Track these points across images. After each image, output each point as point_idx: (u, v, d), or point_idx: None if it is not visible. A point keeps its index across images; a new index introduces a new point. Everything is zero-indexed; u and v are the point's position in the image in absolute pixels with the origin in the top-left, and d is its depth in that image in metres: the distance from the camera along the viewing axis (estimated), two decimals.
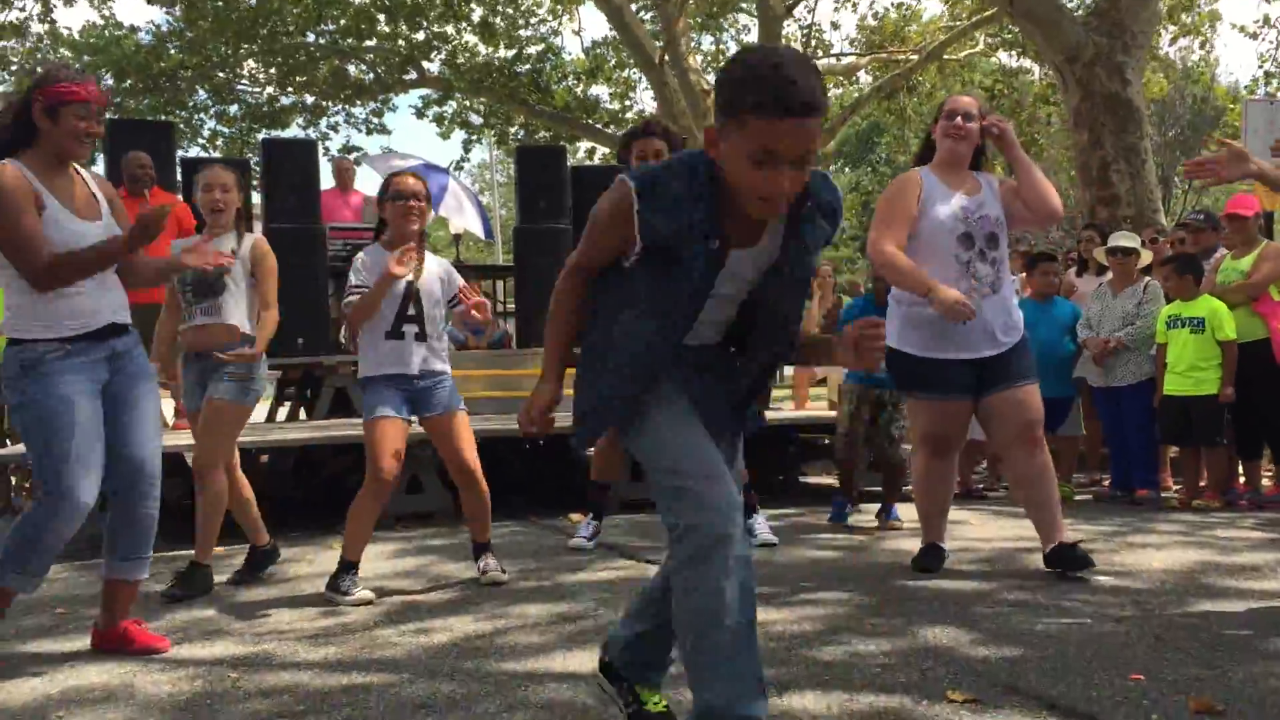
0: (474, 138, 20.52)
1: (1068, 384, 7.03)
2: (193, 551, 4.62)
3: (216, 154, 18.00)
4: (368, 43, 17.97)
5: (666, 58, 16.45)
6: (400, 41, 18.01)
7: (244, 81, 18.43)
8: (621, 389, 2.34)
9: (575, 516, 6.35)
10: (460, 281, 4.65)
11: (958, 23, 17.85)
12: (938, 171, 4.48)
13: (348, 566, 4.35)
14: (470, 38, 18.62)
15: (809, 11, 18.93)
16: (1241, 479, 6.71)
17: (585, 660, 3.29)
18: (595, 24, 59.47)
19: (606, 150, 19.35)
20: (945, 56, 17.82)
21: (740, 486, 2.37)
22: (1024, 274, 7.48)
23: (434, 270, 4.53)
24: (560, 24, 19.77)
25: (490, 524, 4.69)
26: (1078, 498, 6.98)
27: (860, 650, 3.32)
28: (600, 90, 20.07)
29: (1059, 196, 4.43)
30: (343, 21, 17.51)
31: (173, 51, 16.91)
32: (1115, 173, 10.10)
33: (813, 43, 19.22)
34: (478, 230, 13.84)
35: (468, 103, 19.54)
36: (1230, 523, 5.83)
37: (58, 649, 3.67)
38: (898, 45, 18.61)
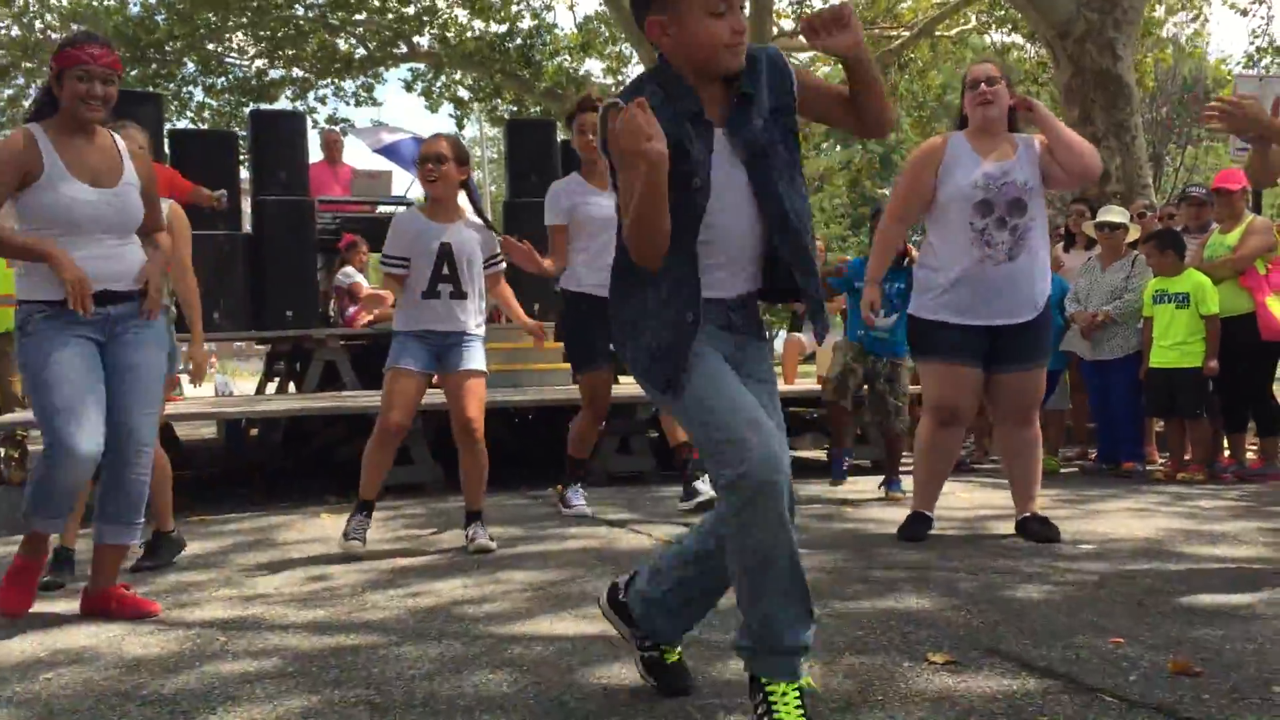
0: (464, 114, 20.43)
1: (1056, 357, 7.05)
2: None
3: (205, 125, 17.91)
4: (357, 16, 17.87)
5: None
6: (390, 15, 17.91)
7: (232, 54, 18.33)
8: (666, 338, 2.32)
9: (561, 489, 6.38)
10: (497, 246, 4.74)
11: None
12: (970, 137, 4.46)
13: (360, 506, 4.57)
14: (461, 12, 18.54)
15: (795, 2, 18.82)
16: (1226, 452, 6.76)
17: (571, 625, 3.32)
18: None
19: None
20: (937, 33, 17.78)
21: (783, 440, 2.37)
22: None
23: (471, 231, 4.61)
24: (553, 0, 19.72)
25: (483, 493, 4.71)
26: (1064, 470, 7.03)
27: (842, 613, 3.36)
28: (593, 64, 20.02)
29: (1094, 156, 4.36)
30: None
31: (161, 22, 16.79)
32: (1105, 149, 10.09)
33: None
34: (467, 206, 13.81)
35: (458, 77, 19.45)
36: (1213, 494, 5.88)
37: (47, 611, 3.69)
38: (889, 21, 18.56)
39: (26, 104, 17.01)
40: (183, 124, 17.91)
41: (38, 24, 16.82)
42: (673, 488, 6.32)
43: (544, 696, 2.65)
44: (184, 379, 9.31)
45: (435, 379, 4.67)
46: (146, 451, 3.61)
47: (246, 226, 9.22)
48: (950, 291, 4.39)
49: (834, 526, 5.03)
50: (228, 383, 21.66)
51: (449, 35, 18.21)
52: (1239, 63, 20.24)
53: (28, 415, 6.66)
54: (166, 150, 8.87)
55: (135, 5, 17.38)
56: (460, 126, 20.81)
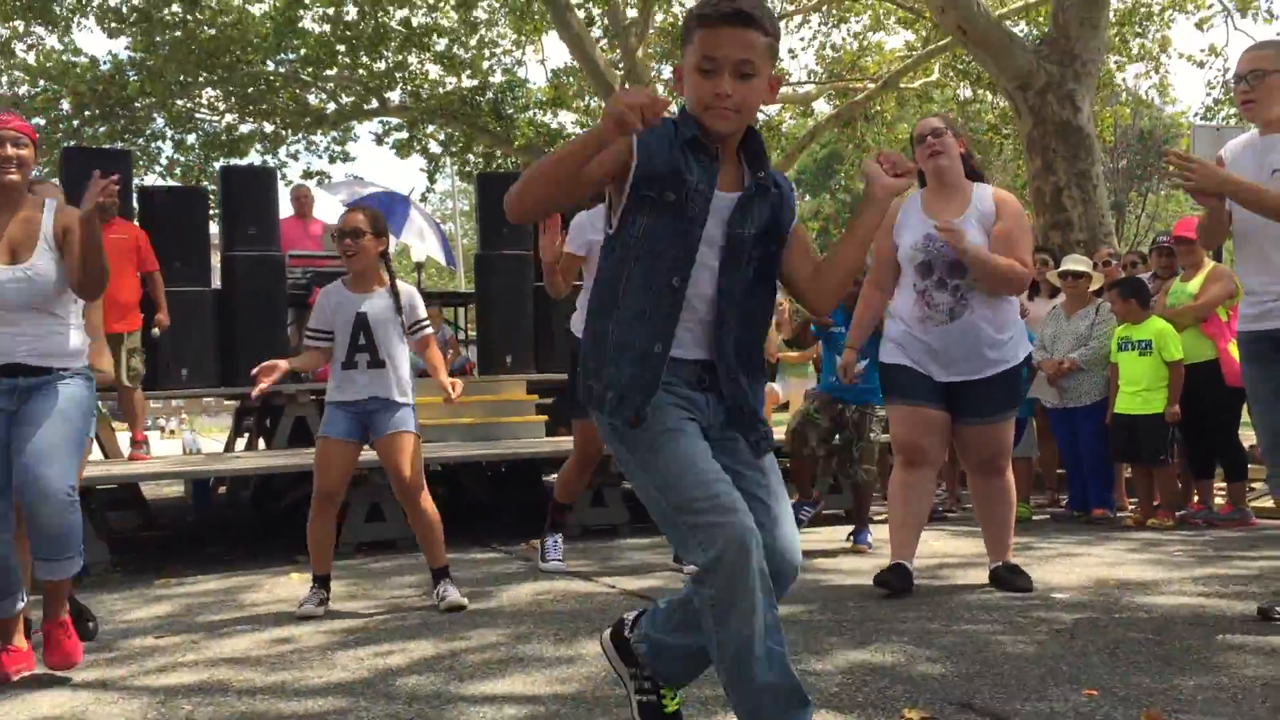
0: (436, 166, 20.51)
1: (1022, 406, 7.10)
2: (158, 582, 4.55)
3: (174, 181, 17.87)
4: (328, 72, 17.96)
5: (626, 86, 16.58)
6: (361, 71, 18.01)
7: (203, 109, 18.35)
8: (634, 370, 2.27)
9: (536, 543, 6.33)
10: (422, 311, 4.75)
11: (914, 52, 18.11)
12: (926, 194, 4.51)
13: (314, 580, 4.62)
14: (433, 68, 18.67)
15: (787, 31, 19.07)
16: (1195, 498, 6.81)
17: (544, 685, 3.28)
18: (558, 53, 59.76)
19: None
20: (902, 85, 18.06)
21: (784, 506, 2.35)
22: None
23: (388, 300, 4.62)
24: (524, 54, 19.90)
25: (443, 549, 4.67)
26: (1035, 518, 7.06)
27: (816, 669, 3.34)
28: (564, 117, 20.16)
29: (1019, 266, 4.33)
30: (303, 51, 17.49)
31: (132, 79, 16.80)
32: (1068, 198, 10.26)
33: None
34: (439, 257, 13.84)
35: (429, 130, 19.55)
36: (1183, 540, 5.91)
37: (8, 682, 3.61)
38: (855, 74, 18.84)
39: None
40: (151, 179, 17.90)
41: (4, 79, 16.79)
42: (645, 539, 6.29)
43: None
44: (152, 435, 9.23)
45: (368, 444, 4.66)
46: (53, 493, 3.42)
47: (215, 282, 9.18)
48: (900, 344, 4.49)
49: (804, 578, 5.01)
50: (195, 439, 21.44)
51: (421, 90, 18.33)
52: (1197, 113, 20.68)
53: None
54: (135, 206, 8.84)
55: (105, 63, 17.39)
56: (431, 180, 20.89)
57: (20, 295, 3.47)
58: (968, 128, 18.55)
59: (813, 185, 34.25)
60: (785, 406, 9.24)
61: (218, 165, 16.39)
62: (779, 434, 8.06)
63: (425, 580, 5.16)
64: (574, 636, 3.89)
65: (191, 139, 18.46)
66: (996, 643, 3.61)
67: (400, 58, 18.11)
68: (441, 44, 18.33)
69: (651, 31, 17.02)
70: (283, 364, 4.46)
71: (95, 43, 47.61)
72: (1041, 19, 15.96)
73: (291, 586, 5.28)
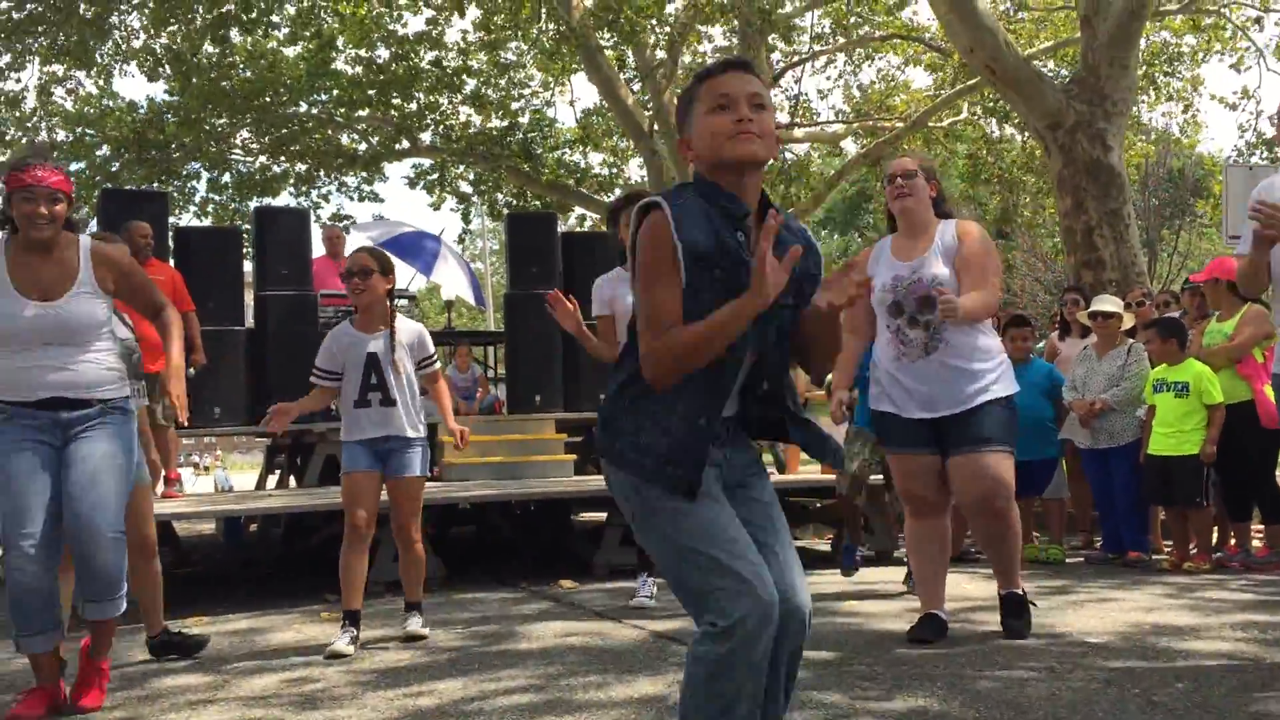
0: (469, 206, 20.66)
1: (1049, 445, 7.06)
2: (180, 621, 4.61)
3: (208, 221, 18.11)
4: (360, 113, 18.18)
5: (655, 126, 16.69)
6: (393, 112, 18.22)
7: (236, 151, 18.60)
8: (678, 436, 2.23)
9: (566, 583, 6.33)
10: (430, 348, 4.90)
11: (942, 91, 18.15)
12: (896, 238, 4.56)
13: (345, 615, 4.64)
14: (463, 109, 18.86)
15: (795, 82, 19.20)
16: (1232, 540, 6.72)
17: None
18: (587, 93, 60.30)
19: (597, 217, 19.52)
20: (930, 125, 18.09)
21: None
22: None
23: (399, 338, 4.74)
24: (553, 95, 20.05)
25: (421, 587, 4.91)
26: (1069, 560, 6.98)
27: (849, 711, 3.31)
28: (593, 158, 20.30)
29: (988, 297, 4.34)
30: (335, 92, 17.73)
31: (169, 123, 17.07)
32: (1099, 237, 10.22)
33: (800, 112, 19.50)
34: (468, 296, 13.92)
35: (459, 170, 19.72)
36: (1219, 584, 5.82)
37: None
38: (883, 113, 18.89)
39: None
40: (186, 219, 18.11)
41: (43, 127, 17.08)
42: None
43: None
44: (185, 472, 9.29)
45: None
46: (105, 537, 3.59)
47: (249, 321, 9.27)
48: (883, 387, 4.50)
49: (837, 621, 4.98)
50: (227, 477, 21.59)
51: (452, 131, 18.51)
52: (1229, 157, 20.59)
53: None
54: (171, 246, 8.97)
55: (142, 109, 17.68)
56: (466, 220, 20.98)
57: (47, 330, 3.61)
58: (996, 166, 18.54)
59: (841, 224, 34.28)
60: None
61: (251, 205, 16.60)
62: (808, 472, 8.04)
63: (452, 618, 5.19)
64: (604, 678, 3.87)
65: (226, 179, 18.70)
66: (1031, 689, 3.57)
67: (431, 99, 18.31)
68: (471, 85, 18.53)
69: (680, 73, 17.15)
70: (293, 407, 4.61)
71: (130, 87, 48.86)
72: (1070, 58, 15.98)
73: (321, 625, 5.29)
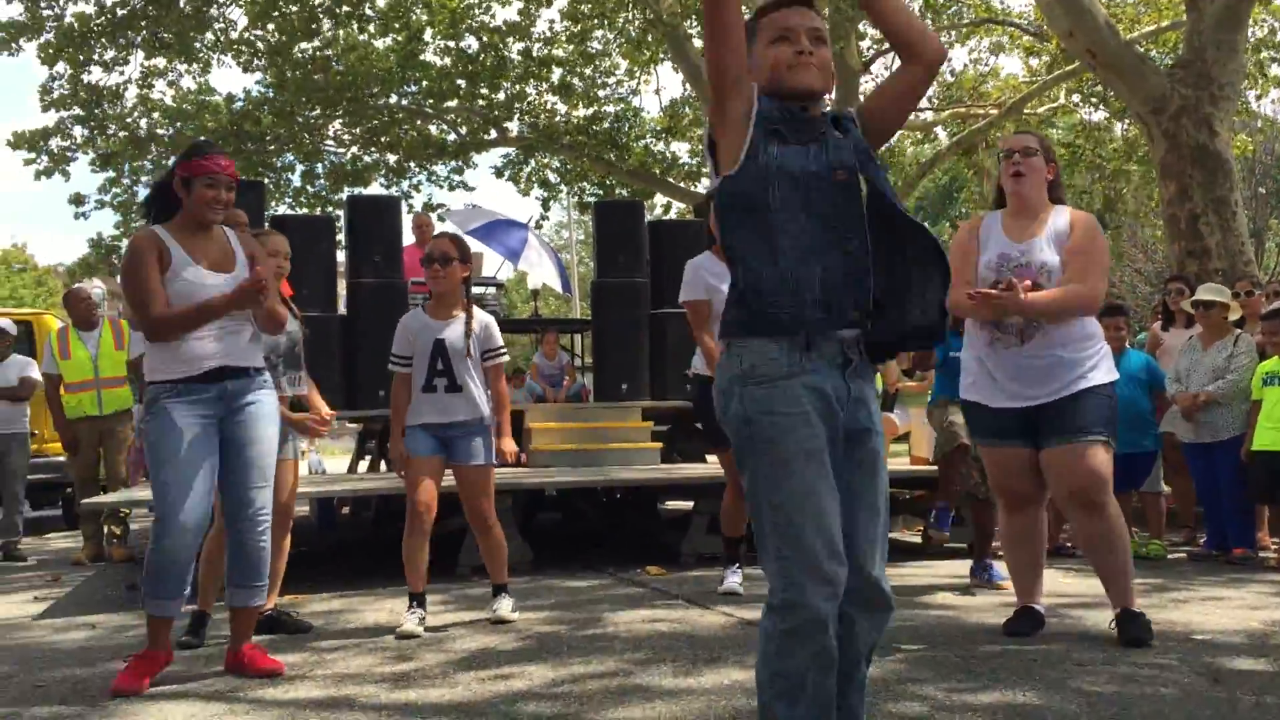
0: (552, 196, 20.76)
1: (1146, 438, 6.85)
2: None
3: (303, 211, 18.45)
4: (449, 103, 18.36)
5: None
6: (480, 102, 18.37)
7: (329, 142, 18.92)
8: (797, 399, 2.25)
9: (653, 570, 6.32)
10: (497, 339, 4.91)
11: (1038, 77, 17.74)
12: (1006, 215, 4.35)
13: (410, 599, 4.72)
14: (550, 97, 18.93)
15: (886, 69, 18.89)
16: None
17: (662, 709, 3.25)
18: (673, 82, 60.36)
19: (683, 205, 19.48)
20: (1025, 111, 17.69)
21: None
22: None
23: (473, 328, 4.77)
24: (639, 84, 20.04)
25: (504, 568, 4.92)
26: (1171, 557, 6.77)
27: (946, 704, 3.24)
28: (678, 147, 20.24)
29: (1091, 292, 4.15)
30: (425, 83, 17.93)
31: (264, 117, 17.42)
32: (1204, 225, 9.88)
33: None
34: (555, 284, 13.97)
35: (546, 160, 19.82)
36: None
37: (144, 690, 3.73)
38: (976, 100, 18.53)
39: (135, 189, 17.76)
40: (281, 209, 18.48)
41: (144, 122, 17.54)
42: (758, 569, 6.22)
43: None
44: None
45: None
46: (261, 520, 3.89)
47: (341, 308, 9.42)
48: (974, 373, 4.32)
49: (930, 614, 4.89)
50: (320, 461, 22.02)
51: (538, 120, 18.61)
52: None
53: (132, 493, 6.83)
54: None
55: (239, 101, 18.09)
56: (546, 208, 21.06)
57: None
58: (1096, 154, 18.05)
59: (931, 213, 33.77)
60: (906, 437, 9.07)
61: (344, 195, 16.87)
62: (898, 464, 7.91)
63: (543, 604, 5.22)
64: (693, 665, 3.85)
65: (319, 169, 19.04)
66: (1134, 686, 3.46)
67: (519, 88, 18.42)
68: (557, 74, 18.60)
69: None
70: (399, 440, 4.73)
71: (223, 81, 50.31)
72: (1173, 44, 15.49)
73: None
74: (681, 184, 19.12)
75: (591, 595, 5.56)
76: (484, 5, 17.78)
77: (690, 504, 7.29)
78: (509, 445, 4.89)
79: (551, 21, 18.29)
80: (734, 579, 5.43)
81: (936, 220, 33.39)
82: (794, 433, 2.23)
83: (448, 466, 4.80)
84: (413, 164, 19.05)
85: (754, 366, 2.27)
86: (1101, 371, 4.19)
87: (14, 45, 15.77)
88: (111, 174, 17.69)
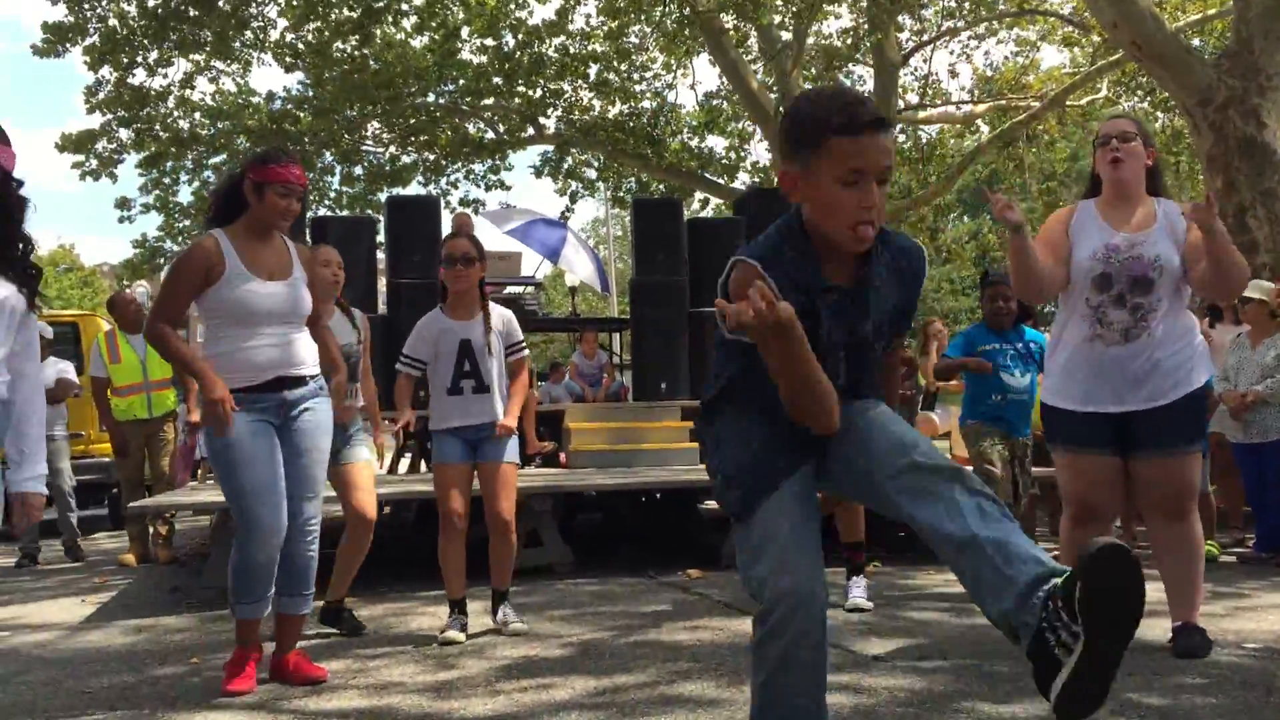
0: (583, 191, 20.71)
1: None
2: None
3: (344, 212, 18.57)
4: (485, 101, 18.40)
5: (781, 109, 16.49)
6: (517, 100, 18.39)
7: (367, 142, 19.01)
8: (767, 458, 2.27)
9: (693, 572, 6.30)
10: (518, 334, 4.89)
11: (1080, 69, 17.51)
12: (1100, 205, 4.10)
13: (451, 606, 4.73)
14: (586, 94, 18.92)
15: (925, 61, 18.75)
16: None
17: (705, 719, 3.24)
18: (709, 77, 60.10)
19: (720, 202, 19.40)
20: (1068, 104, 17.47)
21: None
22: None
23: (493, 325, 4.75)
24: (675, 78, 19.97)
25: (510, 575, 4.85)
26: (1221, 559, 6.66)
27: (994, 717, 3.19)
28: (715, 142, 20.17)
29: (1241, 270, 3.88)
30: (462, 81, 17.97)
31: (303, 117, 17.54)
32: (1252, 218, 9.70)
33: (929, 92, 19.04)
34: (593, 282, 13.97)
35: (584, 157, 19.81)
36: None
37: (189, 697, 3.76)
38: (1017, 93, 18.32)
39: (176, 189, 17.94)
40: (321, 211, 18.60)
41: (183, 123, 17.69)
42: None
43: None
44: None
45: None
46: (311, 529, 3.92)
47: (382, 307, 9.47)
48: (1065, 374, 4.07)
49: (975, 622, 4.83)
50: None
51: (574, 117, 18.60)
52: None
53: (178, 496, 6.90)
54: (308, 238, 9.20)
55: (279, 100, 18.21)
56: (573, 201, 20.85)
57: (278, 308, 3.81)
58: None
59: (972, 206, 33.45)
60: (946, 435, 8.98)
61: (384, 196, 16.95)
62: None
63: (583, 609, 5.20)
64: (735, 675, 3.83)
65: (358, 171, 19.15)
66: (1185, 697, 3.40)
67: (556, 85, 18.43)
68: (594, 70, 18.59)
69: (805, 56, 16.90)
70: (408, 414, 4.72)
71: (262, 80, 50.78)
72: (1219, 33, 15.24)
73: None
74: (720, 179, 19.04)
75: (633, 599, 5.55)
76: (522, 2, 17.79)
77: None
78: (509, 423, 4.76)
79: (588, 16, 18.24)
80: (858, 593, 5.11)
81: (975, 214, 33.09)
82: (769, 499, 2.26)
83: (476, 466, 4.75)
84: (450, 162, 19.11)
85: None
86: (1199, 371, 3.99)
87: (60, 47, 15.94)
88: (154, 175, 17.88)
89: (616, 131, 18.30)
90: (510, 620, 4.76)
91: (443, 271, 4.72)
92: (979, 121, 19.70)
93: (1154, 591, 5.17)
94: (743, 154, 19.89)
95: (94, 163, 17.13)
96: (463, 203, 19.38)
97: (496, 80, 17.87)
